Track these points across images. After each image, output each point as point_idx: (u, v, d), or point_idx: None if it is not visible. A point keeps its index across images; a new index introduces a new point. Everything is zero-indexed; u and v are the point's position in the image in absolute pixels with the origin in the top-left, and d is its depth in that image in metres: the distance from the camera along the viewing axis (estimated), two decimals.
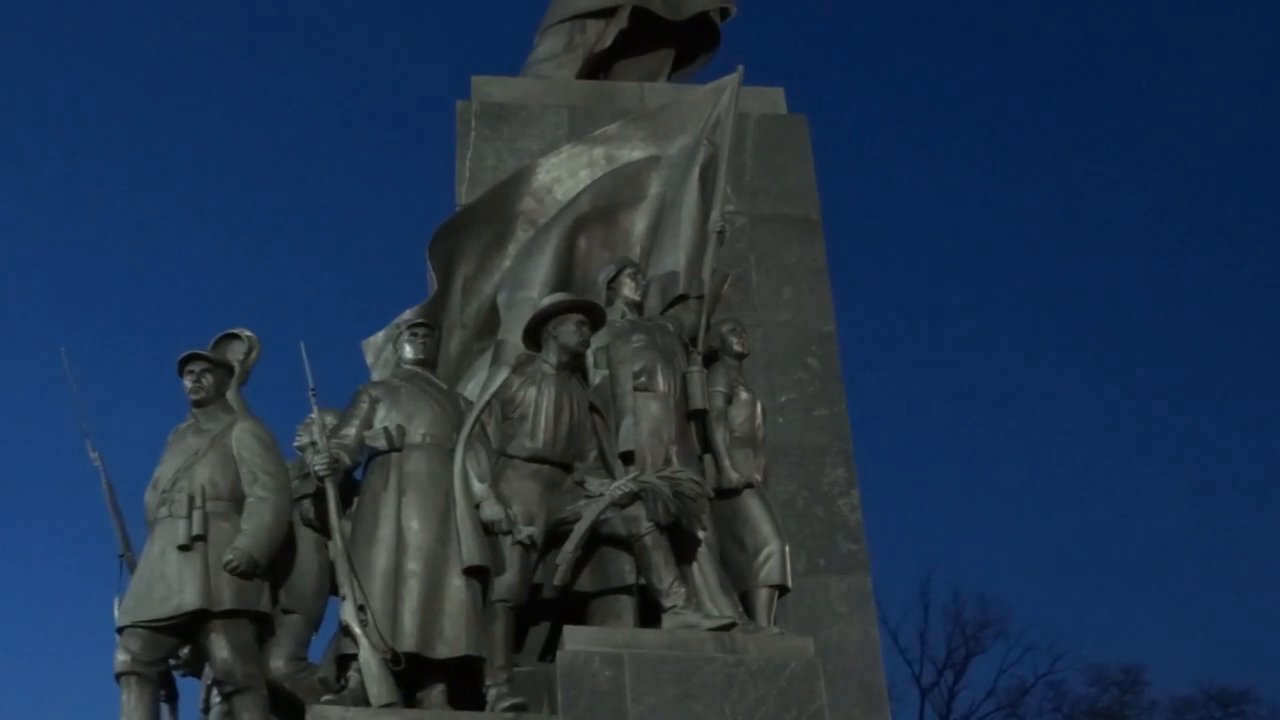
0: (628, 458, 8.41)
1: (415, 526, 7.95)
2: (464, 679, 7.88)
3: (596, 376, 8.74)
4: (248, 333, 8.65)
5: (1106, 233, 43.90)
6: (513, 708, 7.63)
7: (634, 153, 9.88)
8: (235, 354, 8.56)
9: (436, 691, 7.80)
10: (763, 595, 8.48)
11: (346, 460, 8.14)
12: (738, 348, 9.19)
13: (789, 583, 8.56)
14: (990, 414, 43.43)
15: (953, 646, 31.37)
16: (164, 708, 8.02)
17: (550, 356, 8.54)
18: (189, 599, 7.65)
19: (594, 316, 8.65)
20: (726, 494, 8.65)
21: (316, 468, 7.96)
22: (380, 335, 9.17)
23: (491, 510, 8.00)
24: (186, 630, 7.78)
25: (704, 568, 8.33)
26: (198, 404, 8.25)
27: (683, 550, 8.26)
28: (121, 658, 7.69)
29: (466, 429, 8.22)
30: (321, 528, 8.19)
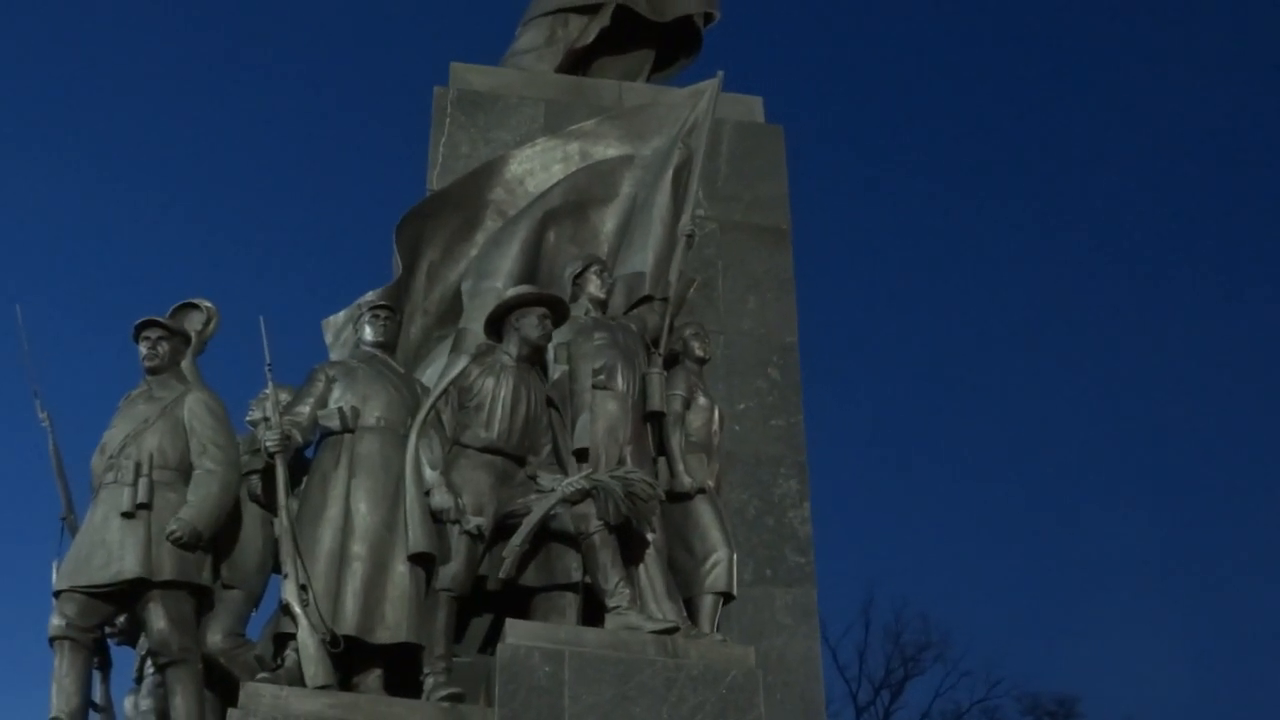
0: (582, 455, 8.39)
1: (363, 509, 7.93)
2: (402, 666, 7.86)
3: (556, 371, 8.73)
4: (207, 303, 8.59)
5: (1079, 253, 44.24)
6: (449, 698, 7.61)
7: (609, 150, 9.88)
8: (193, 324, 8.50)
9: (373, 676, 7.78)
10: (708, 602, 8.48)
11: (298, 438, 8.11)
12: (699, 352, 9.20)
13: (734, 591, 8.57)
14: (946, 434, 43.68)
15: (891, 666, 31.50)
16: (96, 675, 7.96)
17: (511, 348, 8.53)
18: (129, 567, 7.60)
19: (557, 311, 8.64)
20: (678, 498, 8.65)
21: (267, 443, 7.92)
22: (341, 315, 9.14)
23: (441, 498, 7.98)
24: (124, 598, 7.73)
25: (650, 570, 8.32)
26: (151, 371, 8.20)
27: (630, 551, 8.25)
28: (56, 622, 7.64)
29: (421, 415, 8.21)
30: (268, 504, 8.15)
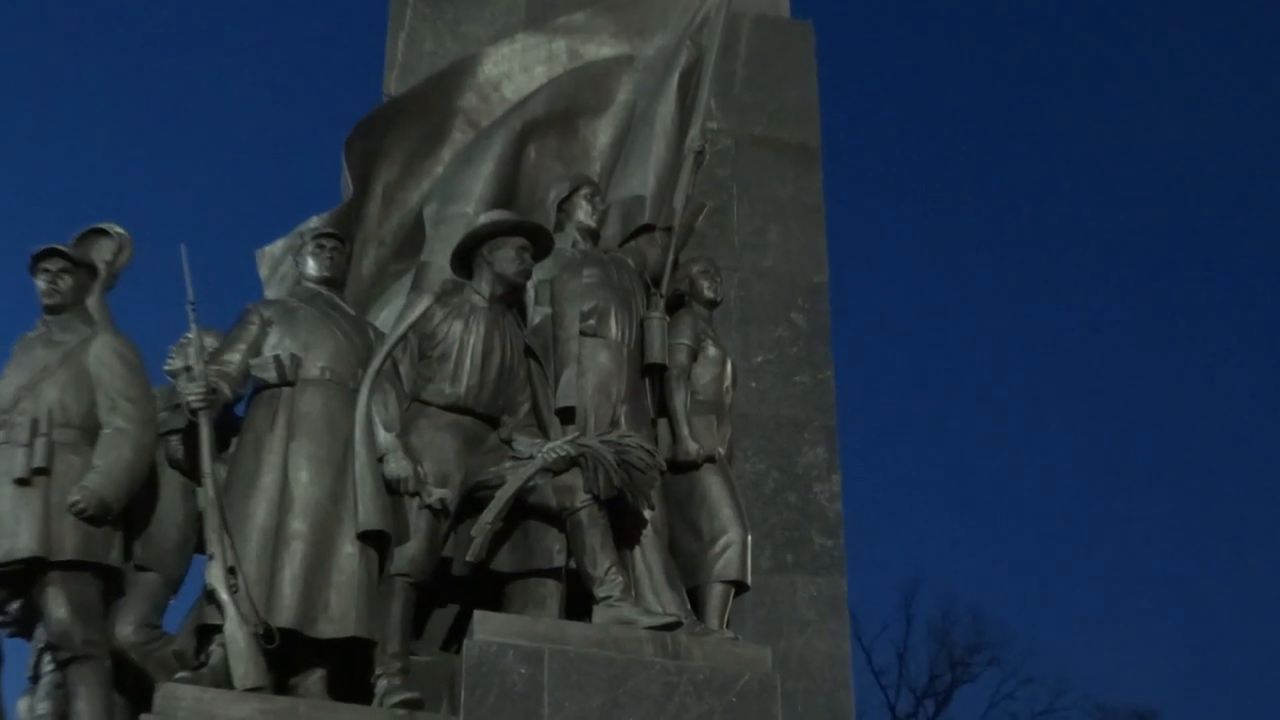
0: (566, 415, 8.40)
1: (304, 478, 7.93)
2: (349, 665, 7.88)
3: (537, 315, 8.72)
4: (118, 229, 8.56)
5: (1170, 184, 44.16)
6: (405, 704, 7.63)
7: (602, 49, 9.87)
8: (101, 253, 8.47)
9: (315, 678, 7.80)
10: (716, 592, 8.50)
11: (226, 392, 8.11)
12: (709, 294, 9.19)
13: (748, 580, 8.59)
14: (1005, 392, 43.73)
15: (936, 672, 31.73)
16: None
17: (482, 286, 8.50)
18: (23, 544, 7.60)
19: (539, 242, 8.61)
20: (682, 468, 8.66)
21: (190, 398, 7.92)
22: (279, 245, 9.14)
23: (397, 466, 7.98)
24: (17, 581, 7.73)
25: (648, 554, 8.35)
26: (51, 310, 8.18)
27: (624, 531, 8.27)
28: None
29: (375, 366, 8.20)
30: (191, 470, 8.16)
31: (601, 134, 9.71)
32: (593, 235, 9.06)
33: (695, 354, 8.94)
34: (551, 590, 8.19)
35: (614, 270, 8.85)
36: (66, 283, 8.21)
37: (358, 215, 9.17)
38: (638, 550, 8.32)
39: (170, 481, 8.34)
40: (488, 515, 8.05)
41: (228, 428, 8.23)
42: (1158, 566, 42.09)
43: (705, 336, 9.03)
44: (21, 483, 7.70)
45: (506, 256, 8.48)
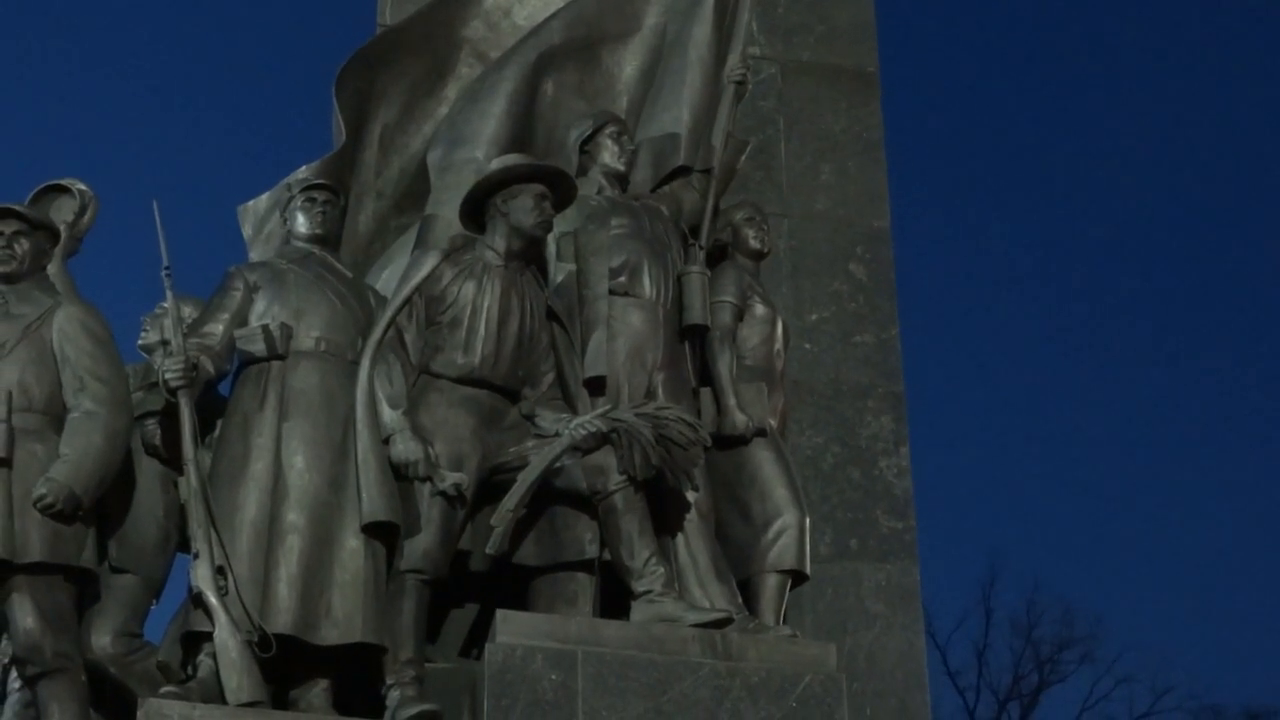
0: (596, 386, 8.43)
1: (300, 464, 7.96)
2: (356, 675, 7.91)
3: (559, 273, 8.74)
4: (81, 185, 8.63)
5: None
6: (419, 717, 7.66)
7: None
8: (62, 214, 8.55)
9: (317, 690, 7.84)
10: (771, 584, 8.53)
11: (209, 367, 8.13)
12: (755, 244, 9.20)
13: (807, 569, 8.61)
14: (1092, 354, 43.55)
15: (1022, 671, 31.82)
16: None
17: (497, 241, 8.51)
18: None
19: (560, 189, 8.61)
20: (729, 443, 8.69)
21: (167, 375, 7.94)
22: (264, 200, 9.15)
23: (405, 447, 8.00)
24: None
25: (692, 542, 8.38)
26: (6, 279, 8.21)
27: (665, 517, 8.30)
28: None
29: (377, 335, 8.22)
30: (171, 458, 8.20)
31: (628, 64, 9.70)
32: (621, 180, 9.07)
33: (741, 313, 8.95)
34: (583, 585, 8.22)
35: (646, 219, 8.85)
36: (23, 247, 8.22)
37: (352, 164, 9.19)
38: (680, 538, 8.36)
39: (148, 471, 8.39)
40: (509, 502, 8.07)
41: (211, 408, 8.25)
42: (1268, 550, 41.98)
43: (752, 293, 9.03)
44: None
45: (523, 206, 8.47)
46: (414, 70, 9.54)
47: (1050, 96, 46.67)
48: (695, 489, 8.36)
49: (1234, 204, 45.31)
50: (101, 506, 7.99)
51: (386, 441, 8.03)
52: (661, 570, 7.99)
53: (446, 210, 8.80)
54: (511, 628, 7.67)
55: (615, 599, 8.11)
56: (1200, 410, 43.47)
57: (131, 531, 8.32)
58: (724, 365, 8.79)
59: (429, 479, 8.01)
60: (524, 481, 8.08)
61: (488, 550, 8.11)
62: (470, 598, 8.46)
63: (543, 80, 9.47)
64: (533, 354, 8.47)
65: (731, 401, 8.72)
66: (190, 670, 7.76)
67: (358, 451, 8.00)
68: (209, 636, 7.63)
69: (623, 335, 8.53)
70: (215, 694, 7.54)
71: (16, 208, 8.28)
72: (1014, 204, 46.71)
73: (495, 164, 8.67)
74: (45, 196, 8.58)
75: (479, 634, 8.19)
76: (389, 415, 8.07)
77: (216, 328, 8.25)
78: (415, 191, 9.28)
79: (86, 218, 8.62)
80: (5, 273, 8.20)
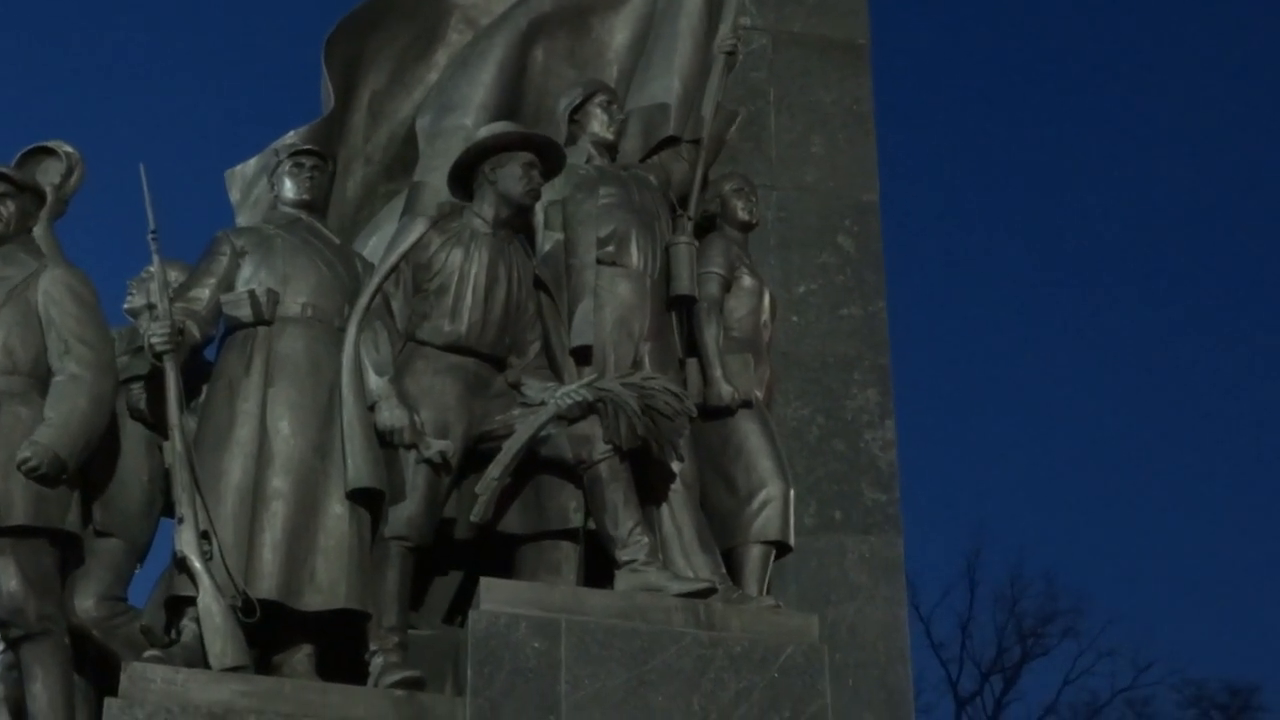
0: (582, 355, 8.45)
1: (285, 430, 7.97)
2: (340, 641, 7.93)
3: (547, 241, 8.75)
4: (67, 148, 8.59)
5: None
6: (403, 683, 7.68)
7: None
8: (49, 176, 8.51)
9: (302, 655, 7.85)
10: (755, 554, 8.56)
11: (195, 332, 8.13)
12: (744, 215, 9.21)
13: (791, 540, 8.64)
14: (1080, 332, 43.61)
15: (1005, 645, 31.87)
16: None
17: (484, 209, 8.51)
18: None
19: (548, 158, 8.62)
20: (715, 414, 8.70)
21: (153, 340, 7.92)
22: (251, 164, 9.15)
23: (391, 414, 8.01)
24: None
25: (677, 512, 8.40)
26: None
27: (650, 487, 8.32)
28: None
29: (364, 301, 8.23)
30: (156, 422, 8.20)
31: (618, 32, 9.71)
32: (610, 149, 9.07)
33: (728, 284, 8.96)
34: (567, 554, 8.23)
35: (634, 189, 8.85)
36: (9, 209, 8.19)
37: (341, 129, 9.20)
38: (665, 508, 8.38)
39: (133, 435, 8.38)
40: (495, 470, 8.08)
41: (197, 373, 8.24)
42: (1251, 526, 42.10)
43: (739, 264, 9.03)
44: None
45: (512, 174, 8.47)
46: (404, 36, 9.54)
47: (1040, 72, 46.62)
48: (680, 459, 8.37)
49: (1225, 181, 45.34)
50: (86, 471, 7.98)
51: (372, 408, 8.04)
52: (646, 540, 8.01)
53: (435, 177, 8.80)
54: (495, 595, 7.68)
55: (599, 568, 8.13)
56: (1185, 384, 43.53)
57: (116, 495, 8.31)
58: (710, 336, 8.80)
59: (414, 446, 8.02)
60: (509, 450, 8.08)
61: (472, 518, 8.12)
62: (454, 565, 8.47)
63: (533, 48, 9.48)
64: (519, 322, 8.48)
65: (718, 372, 8.73)
66: (174, 635, 7.77)
67: (343, 418, 8.01)
68: (193, 601, 7.63)
69: (610, 305, 8.54)
70: (199, 659, 7.55)
71: (2, 169, 8.25)
72: (1003, 179, 46.72)
73: (484, 131, 8.67)
74: (32, 159, 8.54)
75: (463, 601, 8.20)
76: (375, 382, 8.08)
77: (203, 292, 8.24)
78: (404, 158, 9.28)
79: (73, 180, 8.59)
80: None
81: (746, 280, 9.03)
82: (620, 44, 9.68)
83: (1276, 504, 43.45)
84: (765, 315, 9.06)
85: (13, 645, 7.86)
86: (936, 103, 44.52)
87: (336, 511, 7.91)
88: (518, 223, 8.61)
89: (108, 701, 7.34)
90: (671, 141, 9.20)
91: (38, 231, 8.34)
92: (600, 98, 9.11)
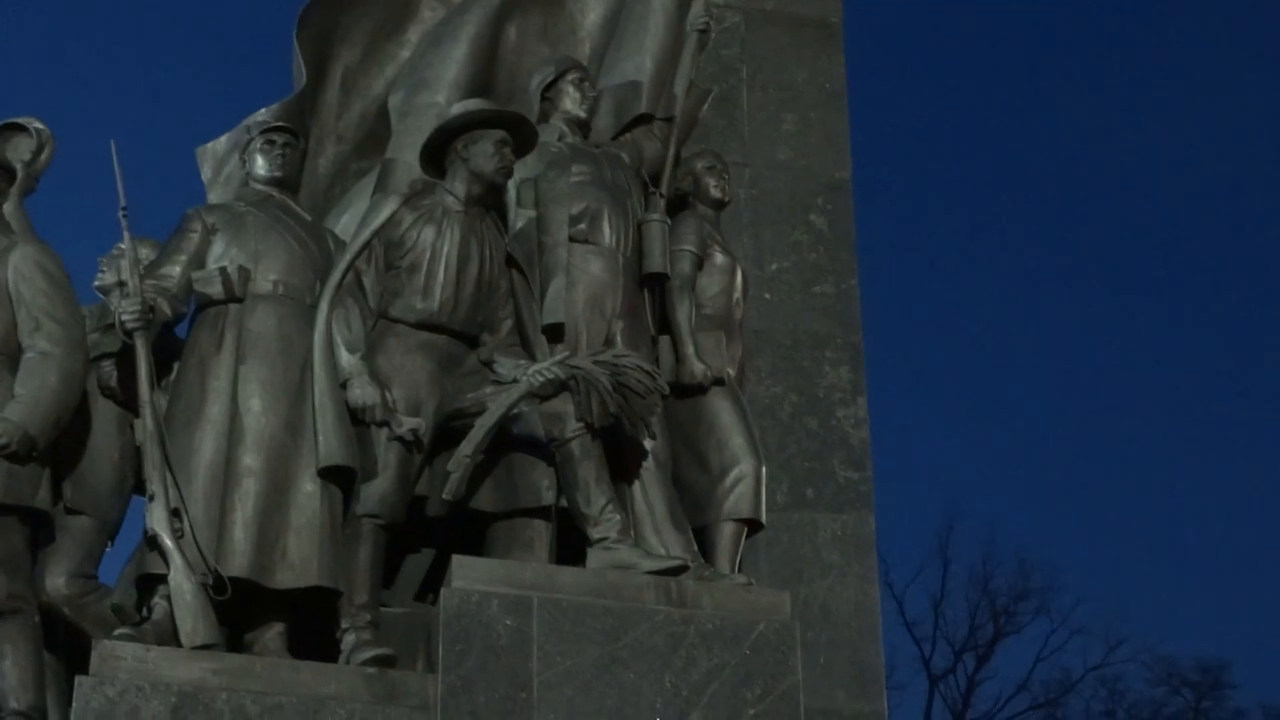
0: (554, 333, 8.44)
1: (256, 407, 7.96)
2: (311, 618, 7.93)
3: (519, 219, 8.73)
4: (37, 124, 8.58)
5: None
6: (374, 660, 7.68)
7: None
8: (18, 153, 8.49)
9: (273, 633, 7.85)
10: (727, 532, 8.57)
11: (166, 309, 8.10)
12: (716, 193, 9.21)
13: (763, 517, 8.66)
14: (1052, 309, 43.70)
15: (978, 623, 31.98)
16: None
17: (457, 187, 8.51)
18: None
19: (521, 135, 8.61)
20: (687, 391, 8.71)
21: (124, 317, 7.91)
22: (223, 141, 9.11)
23: (363, 392, 8.02)
24: None
25: (649, 490, 8.40)
26: None
27: (622, 464, 8.33)
28: None
29: (335, 278, 8.23)
30: (127, 400, 8.19)
31: (591, 10, 9.68)
32: (582, 127, 9.05)
33: (700, 262, 8.95)
34: (539, 531, 8.24)
35: (607, 167, 8.85)
36: None
37: (313, 106, 9.17)
38: (637, 485, 8.38)
39: (103, 413, 8.36)
40: (466, 447, 8.07)
41: (168, 351, 8.23)
42: (1225, 504, 42.29)
43: (712, 242, 9.03)
44: None
45: (484, 152, 8.47)
46: (376, 12, 9.50)
47: (1016, 49, 46.73)
48: (653, 437, 8.37)
49: (1210, 162, 45.46)
50: (57, 448, 7.97)
51: (344, 386, 8.04)
52: (618, 517, 8.02)
53: (407, 154, 8.79)
54: (467, 573, 7.69)
55: (572, 546, 8.13)
56: (1159, 363, 43.71)
57: (87, 473, 8.29)
58: (683, 314, 8.80)
59: (386, 424, 8.03)
60: (481, 427, 8.08)
61: (444, 496, 8.11)
62: (426, 543, 8.48)
63: (506, 25, 9.46)
64: (491, 300, 8.48)
65: (690, 350, 8.74)
66: (145, 613, 7.77)
67: (315, 395, 8.01)
68: (164, 579, 7.63)
69: (582, 283, 8.53)
70: (170, 637, 7.55)
71: None
72: (975, 156, 46.81)
73: (456, 108, 8.66)
74: (1, 135, 8.52)
75: (435, 579, 8.21)
76: (347, 359, 8.08)
77: (174, 269, 8.22)
78: (376, 135, 9.25)
79: (43, 157, 8.57)
80: None
81: (719, 258, 9.03)
82: (593, 22, 9.66)
83: (1248, 482, 43.65)
84: (738, 293, 9.06)
85: None
86: (909, 81, 44.61)
87: (308, 489, 7.90)
88: (490, 200, 8.60)
89: (78, 679, 7.32)
90: (644, 119, 9.18)
91: (8, 208, 8.29)
92: (573, 75, 9.10)
